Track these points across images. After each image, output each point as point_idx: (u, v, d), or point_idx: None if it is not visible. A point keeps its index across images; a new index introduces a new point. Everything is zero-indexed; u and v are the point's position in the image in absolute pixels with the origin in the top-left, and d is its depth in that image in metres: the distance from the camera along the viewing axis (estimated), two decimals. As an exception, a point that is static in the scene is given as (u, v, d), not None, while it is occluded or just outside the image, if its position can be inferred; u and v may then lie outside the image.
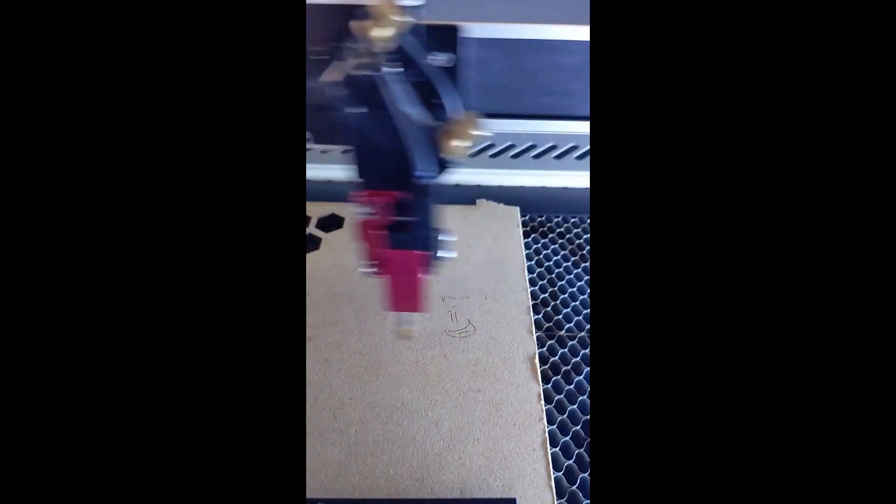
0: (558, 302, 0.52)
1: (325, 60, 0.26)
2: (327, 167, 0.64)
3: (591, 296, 0.52)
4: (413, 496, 0.38)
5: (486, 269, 0.53)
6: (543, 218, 0.60)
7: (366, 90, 0.24)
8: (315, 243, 0.55)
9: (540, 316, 0.50)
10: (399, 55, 0.25)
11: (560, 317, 0.50)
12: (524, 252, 0.55)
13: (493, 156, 0.63)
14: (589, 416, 0.43)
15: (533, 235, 0.58)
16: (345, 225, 0.57)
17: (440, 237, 0.31)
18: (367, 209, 0.29)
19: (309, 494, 0.38)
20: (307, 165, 0.63)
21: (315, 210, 0.58)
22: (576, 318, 0.50)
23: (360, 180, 0.28)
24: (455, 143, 0.25)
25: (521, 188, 0.64)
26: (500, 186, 0.64)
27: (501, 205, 0.61)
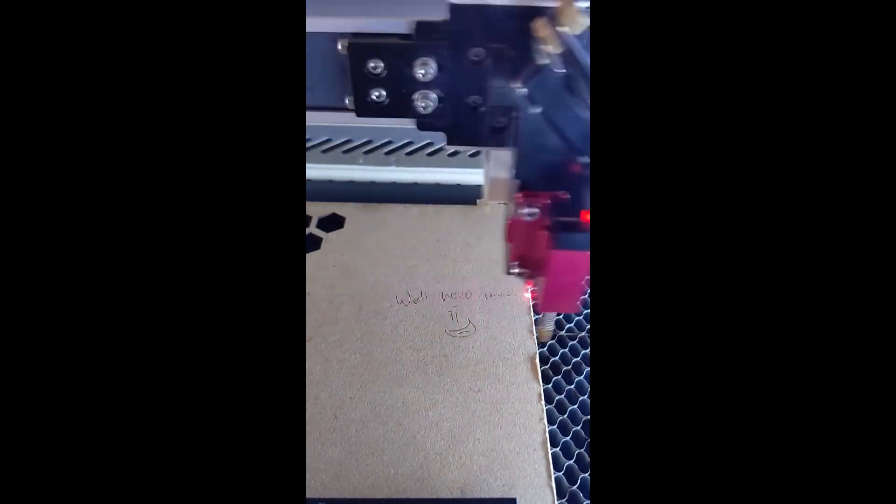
0: (559, 302, 0.52)
1: (504, 61, 0.27)
2: (327, 167, 0.64)
3: (591, 296, 0.52)
4: (413, 496, 0.38)
5: (487, 268, 0.53)
6: (544, 218, 0.60)
7: (552, 90, 0.24)
8: (315, 243, 0.55)
9: (540, 316, 0.50)
10: (570, 56, 0.25)
11: (560, 317, 0.50)
12: (525, 252, 0.55)
13: (494, 156, 0.63)
14: (589, 416, 0.43)
15: (533, 235, 0.58)
16: (345, 225, 0.57)
17: None
18: (528, 210, 0.29)
19: (309, 494, 0.38)
20: (307, 165, 0.63)
21: (315, 210, 0.58)
22: (576, 318, 0.50)
23: (520, 180, 0.28)
24: None
25: (522, 188, 0.64)
26: (501, 186, 0.64)
27: (504, 206, 0.60)
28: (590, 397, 0.44)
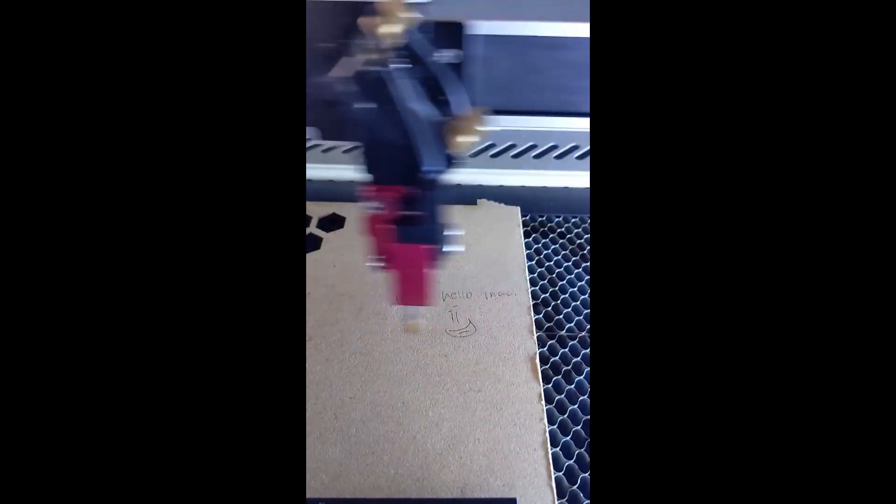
0: (559, 302, 0.52)
1: (334, 56, 0.26)
2: (327, 167, 0.64)
3: (591, 296, 0.52)
4: (414, 496, 0.38)
5: (487, 268, 0.53)
6: (544, 218, 0.60)
7: (374, 86, 0.24)
8: (315, 243, 0.55)
9: (540, 316, 0.50)
10: (406, 51, 0.25)
11: (561, 317, 0.50)
12: (525, 252, 0.55)
13: (494, 155, 0.63)
14: (589, 416, 0.43)
15: (534, 235, 0.58)
16: (345, 225, 0.57)
17: (446, 232, 0.31)
18: (375, 204, 0.29)
19: (309, 494, 0.38)
20: (307, 165, 0.63)
21: (315, 210, 0.58)
22: (576, 318, 0.50)
23: (368, 175, 0.28)
24: (461, 138, 0.26)
25: (522, 188, 0.64)
26: (501, 186, 0.64)
27: (502, 205, 0.61)
28: (590, 397, 0.44)
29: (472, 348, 0.47)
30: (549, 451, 0.40)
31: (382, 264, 0.33)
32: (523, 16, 0.30)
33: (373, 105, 0.25)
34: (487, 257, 0.54)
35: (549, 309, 0.51)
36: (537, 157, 0.63)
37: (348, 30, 0.25)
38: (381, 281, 0.51)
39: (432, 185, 0.27)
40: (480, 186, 0.64)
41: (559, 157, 0.63)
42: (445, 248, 0.32)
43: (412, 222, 0.29)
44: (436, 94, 0.27)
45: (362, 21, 0.23)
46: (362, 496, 0.38)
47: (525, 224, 0.59)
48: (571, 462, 0.40)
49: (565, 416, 0.43)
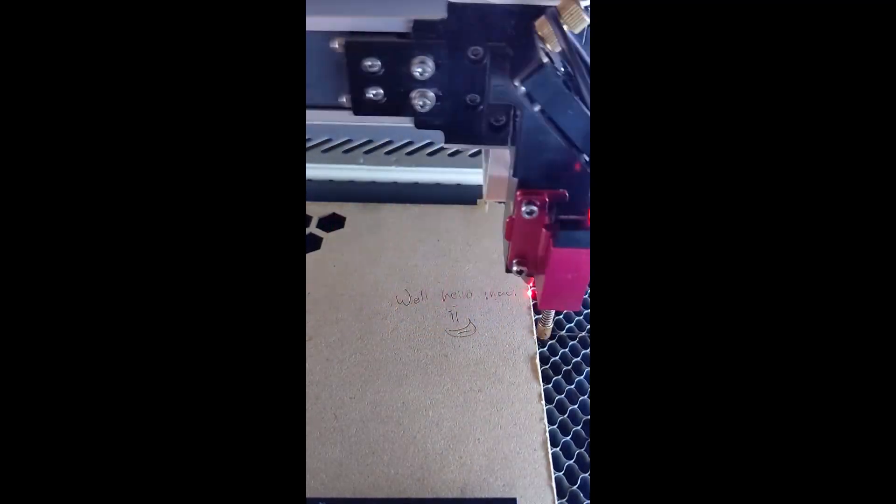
0: (559, 302, 0.52)
1: (504, 60, 0.27)
2: (327, 167, 0.64)
3: (591, 296, 0.52)
4: (414, 496, 0.38)
5: (487, 268, 0.53)
6: (544, 218, 0.60)
7: (551, 88, 0.25)
8: (315, 243, 0.55)
9: (541, 316, 0.50)
10: (568, 54, 0.25)
11: (561, 317, 0.50)
12: (525, 252, 0.55)
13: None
14: (589, 416, 0.43)
15: (533, 235, 0.58)
16: (345, 225, 0.57)
17: None
18: (531, 208, 0.29)
19: (309, 494, 0.38)
20: (307, 165, 0.63)
21: (315, 210, 0.58)
22: (576, 318, 0.50)
23: (519, 179, 0.29)
24: None
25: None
26: (501, 186, 0.64)
27: (502, 205, 0.60)
28: (590, 397, 0.44)
29: (472, 348, 0.47)
30: (549, 451, 0.40)
31: (526, 269, 0.33)
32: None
33: (541, 108, 0.25)
34: (487, 257, 0.54)
35: (549, 309, 0.51)
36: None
37: (520, 33, 0.26)
38: (381, 281, 0.51)
39: None
40: (480, 186, 0.63)
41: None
42: None
43: (577, 227, 0.29)
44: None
45: (539, 23, 0.24)
46: (362, 496, 0.38)
47: (525, 224, 0.59)
48: (571, 462, 0.40)
49: (565, 416, 0.43)
